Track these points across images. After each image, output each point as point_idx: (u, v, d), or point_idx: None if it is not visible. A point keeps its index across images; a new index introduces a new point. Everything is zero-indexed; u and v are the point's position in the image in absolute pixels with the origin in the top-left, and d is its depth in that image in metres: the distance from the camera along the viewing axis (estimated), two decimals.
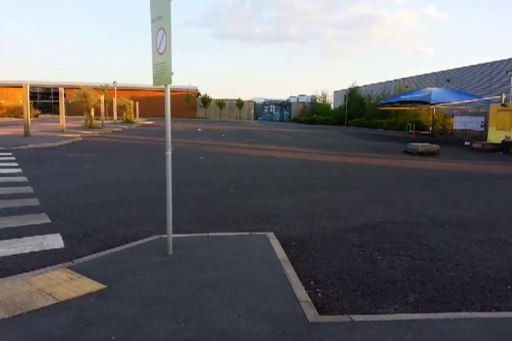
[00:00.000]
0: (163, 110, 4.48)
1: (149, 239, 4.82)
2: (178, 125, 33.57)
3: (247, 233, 5.24)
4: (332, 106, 63.95)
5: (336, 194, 8.25)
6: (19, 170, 9.71)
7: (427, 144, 17.97)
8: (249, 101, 68.84)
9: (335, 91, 65.16)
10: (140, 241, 4.71)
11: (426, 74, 42.60)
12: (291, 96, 77.26)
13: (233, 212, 6.40)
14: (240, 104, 65.80)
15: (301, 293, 3.49)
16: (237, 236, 5.08)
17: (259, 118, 68.23)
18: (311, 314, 3.14)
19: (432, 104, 26.67)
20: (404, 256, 4.65)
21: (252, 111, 66.75)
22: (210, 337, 2.78)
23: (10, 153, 12.69)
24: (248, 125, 44.82)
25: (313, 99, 65.93)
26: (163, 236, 4.72)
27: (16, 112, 46.39)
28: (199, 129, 27.69)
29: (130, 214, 6.06)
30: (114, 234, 5.13)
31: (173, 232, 4.42)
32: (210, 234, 5.14)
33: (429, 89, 28.67)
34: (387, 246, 4.97)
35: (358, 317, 3.14)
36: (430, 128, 31.35)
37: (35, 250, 4.48)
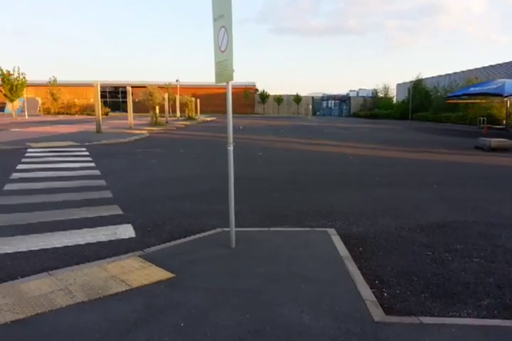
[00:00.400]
0: (223, 107, 4.58)
1: (213, 231, 4.96)
2: (237, 121, 34.08)
3: (308, 228, 5.21)
4: (395, 99, 61.45)
5: (400, 191, 7.95)
6: (93, 164, 10.41)
7: (501, 139, 16.70)
8: (307, 97, 68.21)
9: (398, 84, 62.52)
10: (204, 234, 4.87)
11: (498, 65, 39.51)
12: (350, 91, 75.44)
13: (293, 207, 6.40)
14: (297, 99, 65.40)
15: (365, 292, 3.42)
16: (298, 232, 5.07)
17: (318, 113, 67.32)
18: (377, 313, 3.06)
19: (506, 97, 24.69)
20: (477, 258, 4.38)
21: (310, 106, 65.98)
22: (274, 329, 2.81)
23: (84, 149, 13.64)
24: (306, 120, 44.43)
25: (374, 92, 63.76)
26: (225, 229, 4.84)
27: (88, 110, 49.72)
28: (240, 127, 27.33)
29: (194, 207, 6.28)
30: (180, 225, 5.35)
31: (236, 226, 4.51)
32: (271, 228, 5.19)
33: (501, 80, 26.54)
34: (458, 247, 4.70)
35: (427, 319, 3.02)
36: (504, 122, 29.09)
37: (110, 239, 4.80)
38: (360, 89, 72.69)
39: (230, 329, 2.81)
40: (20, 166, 9.77)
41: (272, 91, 73.11)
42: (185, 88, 53.25)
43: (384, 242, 4.87)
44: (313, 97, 69.41)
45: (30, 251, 4.39)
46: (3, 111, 52.06)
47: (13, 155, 11.63)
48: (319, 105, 69.39)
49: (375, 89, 63.93)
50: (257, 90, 64.72)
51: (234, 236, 4.42)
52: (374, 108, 58.39)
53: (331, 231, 5.08)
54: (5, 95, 37.02)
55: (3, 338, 2.68)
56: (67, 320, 2.89)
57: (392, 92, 62.73)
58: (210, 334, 2.75)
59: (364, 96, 66.80)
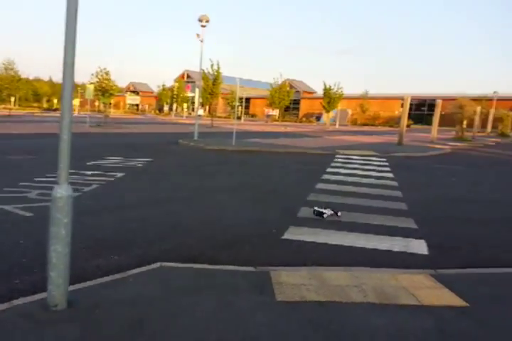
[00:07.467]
0: None
1: None
2: None
3: None
4: None
5: None
6: (391, 174, 10.77)
7: None
8: None
9: None
10: None
11: None
12: None
13: None
14: None
15: None
16: None
17: None
18: None
19: None
20: None
21: None
22: None
23: (384, 159, 14.26)
24: None
25: None
26: None
27: (391, 122, 51.38)
28: None
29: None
30: (477, 255, 4.86)
31: None
32: None
33: None
34: None
35: None
36: None
37: (400, 250, 4.88)
38: None
39: None
40: (329, 169, 11.21)
41: None
42: (504, 101, 46.80)
43: None
44: None
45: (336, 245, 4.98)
46: (319, 120, 60.71)
47: (325, 159, 13.48)
48: None
49: None
50: None
51: None
52: None
53: None
54: (323, 107, 43.14)
55: (273, 315, 3.22)
56: (357, 315, 3.18)
57: None
58: None
59: None
